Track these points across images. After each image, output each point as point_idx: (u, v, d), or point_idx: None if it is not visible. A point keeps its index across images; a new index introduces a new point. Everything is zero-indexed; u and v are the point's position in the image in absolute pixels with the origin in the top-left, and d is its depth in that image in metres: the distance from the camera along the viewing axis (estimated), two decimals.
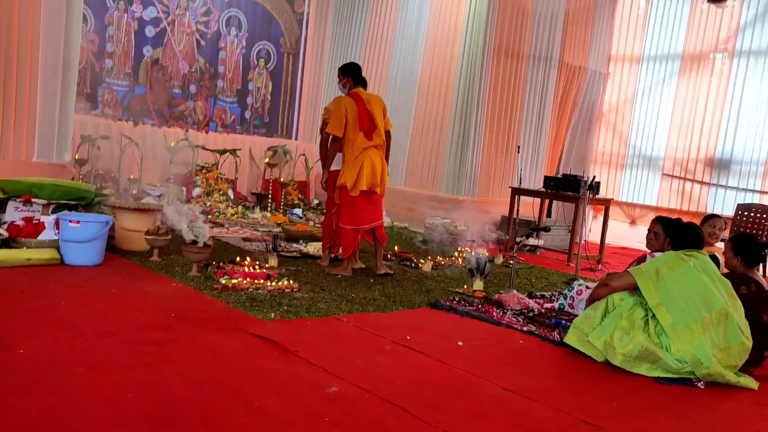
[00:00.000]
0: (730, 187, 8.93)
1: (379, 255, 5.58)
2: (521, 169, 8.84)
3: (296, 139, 10.85)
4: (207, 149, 9.22)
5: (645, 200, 9.87)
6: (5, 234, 4.98)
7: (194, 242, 4.90)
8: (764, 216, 7.64)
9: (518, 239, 6.53)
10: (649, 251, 4.78)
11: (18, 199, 5.26)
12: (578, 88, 10.01)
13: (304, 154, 10.30)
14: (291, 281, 4.75)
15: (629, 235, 9.61)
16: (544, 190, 7.70)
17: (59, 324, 3.38)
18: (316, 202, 9.95)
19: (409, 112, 9.92)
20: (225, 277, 4.69)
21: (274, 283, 4.66)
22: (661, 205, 9.59)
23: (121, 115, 8.98)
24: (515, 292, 4.98)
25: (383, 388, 2.91)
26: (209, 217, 7.72)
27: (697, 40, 9.37)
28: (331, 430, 2.46)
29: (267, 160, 9.72)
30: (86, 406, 2.43)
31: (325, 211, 6.50)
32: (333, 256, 5.81)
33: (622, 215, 9.96)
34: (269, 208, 9.15)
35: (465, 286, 5.33)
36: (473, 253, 5.56)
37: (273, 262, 5.38)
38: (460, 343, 3.78)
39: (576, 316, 4.27)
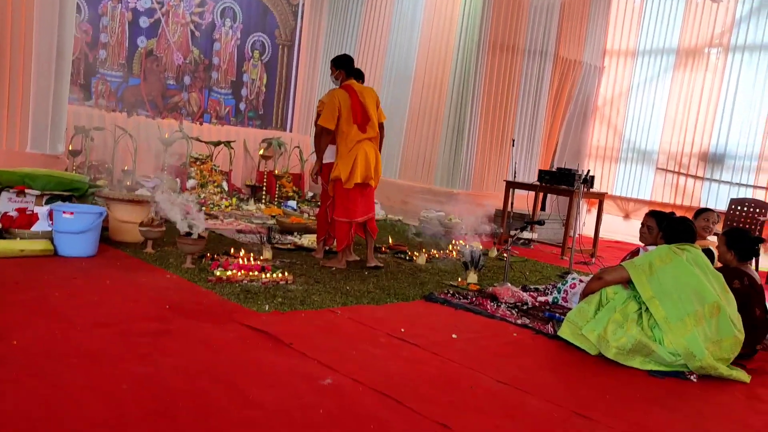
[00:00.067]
0: (723, 181, 8.97)
1: (370, 247, 5.58)
2: (516, 163, 8.85)
3: (291, 131, 10.83)
4: (201, 141, 9.20)
5: (639, 194, 9.90)
6: None
7: (188, 234, 4.89)
8: (757, 210, 7.68)
9: (512, 232, 6.54)
10: (642, 245, 4.80)
11: (11, 190, 5.23)
12: (573, 81, 10.02)
13: (298, 147, 10.29)
14: (285, 273, 4.75)
15: (623, 229, 9.65)
16: (538, 183, 7.72)
17: (53, 315, 3.37)
18: (310, 194, 9.94)
19: (404, 105, 9.91)
20: (219, 269, 4.68)
21: (268, 275, 4.65)
22: (655, 199, 9.62)
23: (115, 106, 8.94)
24: (509, 285, 4.99)
25: (377, 380, 2.91)
26: (203, 209, 7.70)
27: (692, 35, 9.38)
28: (325, 421, 2.46)
29: (261, 152, 9.70)
30: (80, 398, 2.43)
31: (319, 203, 6.49)
32: (327, 248, 5.81)
33: (616, 209, 9.99)
34: (264, 200, 9.14)
35: (459, 279, 5.34)
36: (467, 246, 5.56)
37: (267, 254, 5.37)
38: (454, 335, 3.79)
39: (570, 309, 4.29)
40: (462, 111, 9.10)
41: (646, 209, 8.46)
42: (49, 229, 4.98)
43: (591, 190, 7.28)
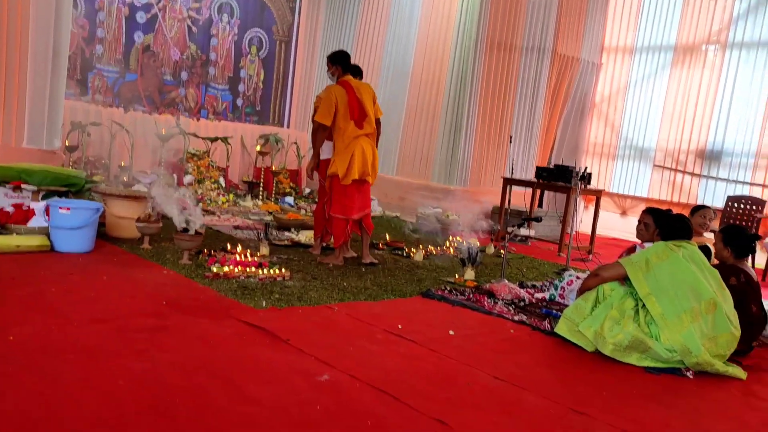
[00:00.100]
0: (720, 178, 8.98)
1: (365, 244, 5.58)
2: (513, 159, 8.85)
3: (288, 127, 10.82)
4: (198, 137, 9.18)
5: (636, 191, 9.91)
6: None
7: (185, 230, 4.89)
8: (754, 207, 7.69)
9: (510, 229, 6.55)
10: (639, 242, 4.81)
11: (7, 185, 5.21)
12: (571, 78, 10.01)
13: (296, 143, 10.27)
14: (282, 270, 4.74)
15: (620, 226, 9.66)
16: (535, 180, 7.72)
17: (49, 311, 3.36)
18: (307, 190, 9.93)
19: (402, 101, 9.90)
20: (216, 265, 4.68)
21: (265, 272, 4.65)
22: (652, 196, 9.63)
23: (112, 102, 8.92)
24: (506, 281, 4.99)
25: (374, 376, 2.91)
26: (200, 204, 7.69)
27: (690, 32, 9.38)
28: (322, 418, 2.46)
29: (259, 148, 9.68)
30: (77, 394, 2.42)
31: (317, 199, 6.48)
32: (325, 245, 5.81)
33: (613, 206, 10.00)
34: (261, 197, 9.13)
35: (456, 276, 5.34)
36: (465, 242, 5.57)
37: (264, 250, 5.37)
38: (451, 332, 3.79)
39: (566, 306, 4.29)
40: (459, 107, 9.09)
41: (643, 206, 8.47)
42: (46, 224, 4.97)
43: (588, 186, 7.28)
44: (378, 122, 5.56)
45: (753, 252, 4.54)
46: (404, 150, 9.91)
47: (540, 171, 7.70)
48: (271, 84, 10.62)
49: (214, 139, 9.25)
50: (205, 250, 5.13)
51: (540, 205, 8.90)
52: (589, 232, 7.70)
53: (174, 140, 8.76)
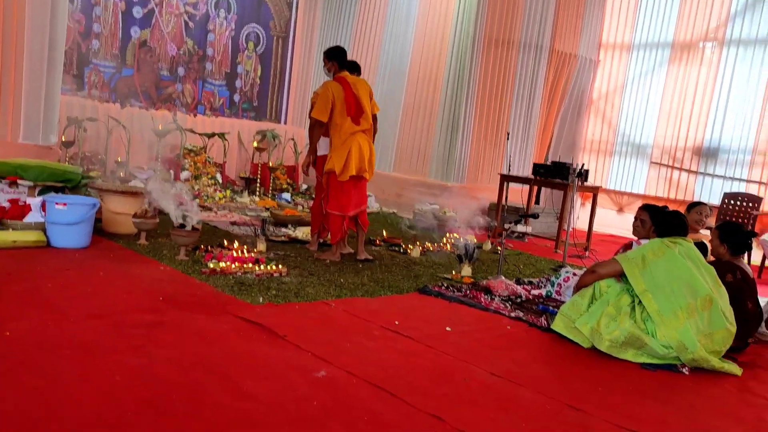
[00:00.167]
0: (717, 175, 8.99)
1: (360, 240, 5.58)
2: (510, 156, 8.85)
3: (285, 123, 10.81)
4: (195, 132, 9.16)
5: (633, 188, 9.92)
6: None
7: (182, 226, 4.88)
8: (750, 204, 7.71)
9: (507, 226, 6.54)
10: (635, 238, 4.81)
11: (3, 181, 5.20)
12: (568, 75, 10.01)
13: (293, 139, 10.26)
14: (279, 266, 4.74)
15: (617, 223, 9.67)
16: (532, 177, 7.72)
17: (46, 306, 3.36)
18: (304, 186, 9.93)
19: (399, 98, 9.89)
20: (213, 261, 4.68)
21: (262, 268, 4.65)
22: (649, 193, 9.64)
23: (108, 97, 8.89)
24: (503, 278, 5.00)
25: (371, 372, 2.91)
26: (197, 200, 7.68)
27: (688, 29, 9.38)
28: (319, 414, 2.47)
29: (256, 144, 9.66)
30: (73, 389, 2.42)
31: (314, 196, 6.48)
32: (322, 241, 5.81)
33: (609, 203, 10.01)
34: (258, 193, 9.12)
35: (453, 272, 5.34)
36: (462, 239, 5.57)
37: (261, 246, 5.37)
38: (448, 328, 3.80)
39: (563, 302, 4.30)
40: (457, 104, 9.09)
41: (639, 203, 8.48)
42: (42, 220, 4.96)
43: (585, 183, 7.28)
44: (375, 118, 5.56)
45: (749, 249, 4.56)
46: (401, 146, 9.91)
47: (537, 168, 7.70)
48: (268, 80, 10.60)
49: (211, 135, 9.23)
50: (202, 246, 5.12)
51: (537, 202, 8.91)
52: (586, 228, 7.70)
53: (171, 136, 8.74)
